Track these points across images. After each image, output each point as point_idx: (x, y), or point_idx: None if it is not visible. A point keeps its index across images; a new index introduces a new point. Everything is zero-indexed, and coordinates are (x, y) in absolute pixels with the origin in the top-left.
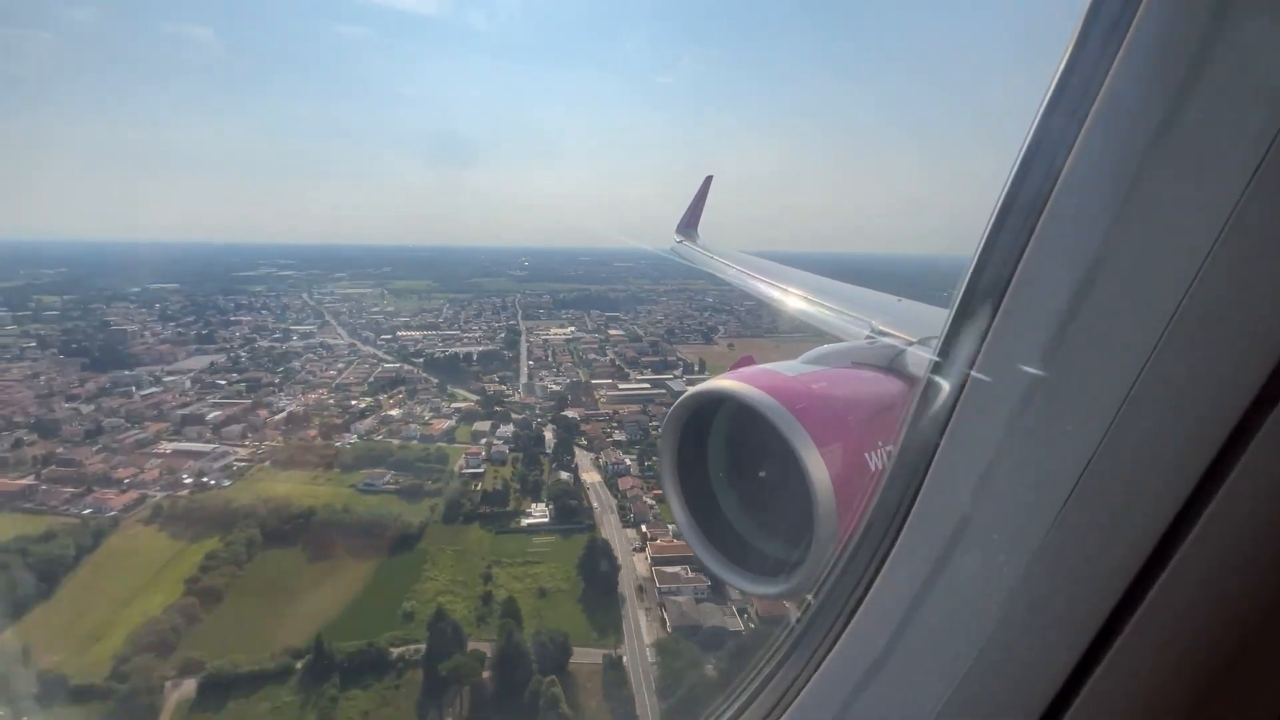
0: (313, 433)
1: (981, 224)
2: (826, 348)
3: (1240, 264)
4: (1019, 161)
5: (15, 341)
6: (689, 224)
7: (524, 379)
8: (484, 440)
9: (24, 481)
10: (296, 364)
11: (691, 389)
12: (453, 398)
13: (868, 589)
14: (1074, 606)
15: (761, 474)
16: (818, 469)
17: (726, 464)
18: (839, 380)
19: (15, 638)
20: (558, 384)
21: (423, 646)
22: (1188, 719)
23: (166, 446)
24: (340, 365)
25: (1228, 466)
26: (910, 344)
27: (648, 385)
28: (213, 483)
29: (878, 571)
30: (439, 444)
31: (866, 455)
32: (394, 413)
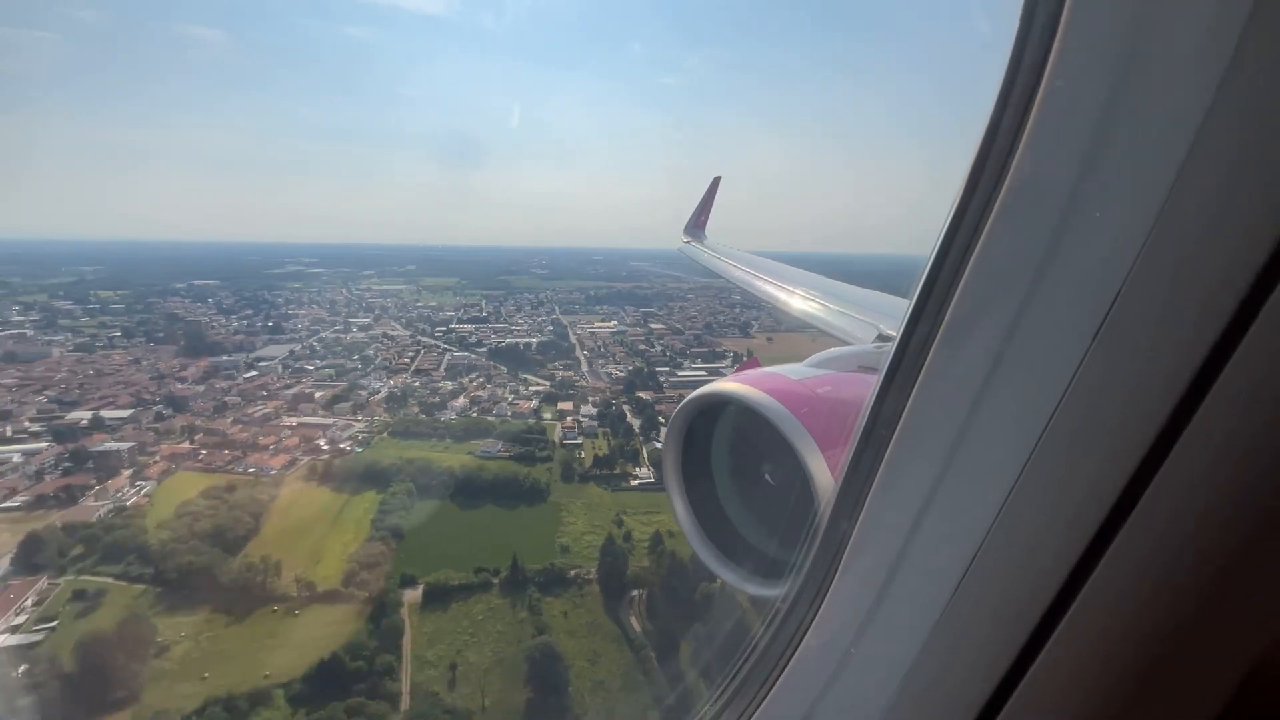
0: (415, 409)
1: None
2: (833, 351)
3: (1170, 258)
4: (973, 160)
5: (100, 332)
6: (697, 225)
7: (585, 366)
8: (570, 417)
9: (184, 446)
10: (370, 352)
11: (697, 391)
12: (526, 382)
13: (826, 593)
14: (1007, 608)
15: (765, 477)
16: (821, 473)
17: (730, 466)
18: (844, 384)
19: (261, 556)
20: (620, 371)
21: (592, 569)
22: (1120, 710)
23: (291, 420)
24: (410, 354)
25: (1157, 462)
26: None
27: (704, 373)
28: (348, 448)
29: (834, 574)
30: (531, 420)
31: None
32: (481, 394)
